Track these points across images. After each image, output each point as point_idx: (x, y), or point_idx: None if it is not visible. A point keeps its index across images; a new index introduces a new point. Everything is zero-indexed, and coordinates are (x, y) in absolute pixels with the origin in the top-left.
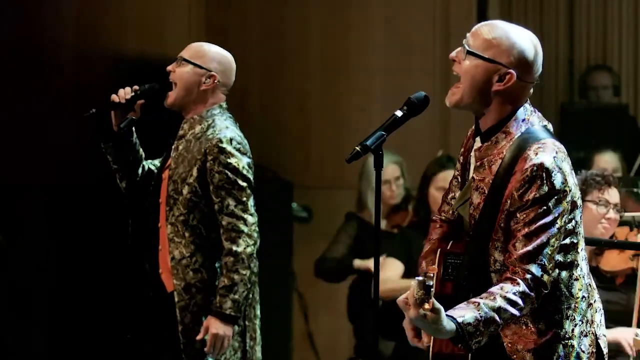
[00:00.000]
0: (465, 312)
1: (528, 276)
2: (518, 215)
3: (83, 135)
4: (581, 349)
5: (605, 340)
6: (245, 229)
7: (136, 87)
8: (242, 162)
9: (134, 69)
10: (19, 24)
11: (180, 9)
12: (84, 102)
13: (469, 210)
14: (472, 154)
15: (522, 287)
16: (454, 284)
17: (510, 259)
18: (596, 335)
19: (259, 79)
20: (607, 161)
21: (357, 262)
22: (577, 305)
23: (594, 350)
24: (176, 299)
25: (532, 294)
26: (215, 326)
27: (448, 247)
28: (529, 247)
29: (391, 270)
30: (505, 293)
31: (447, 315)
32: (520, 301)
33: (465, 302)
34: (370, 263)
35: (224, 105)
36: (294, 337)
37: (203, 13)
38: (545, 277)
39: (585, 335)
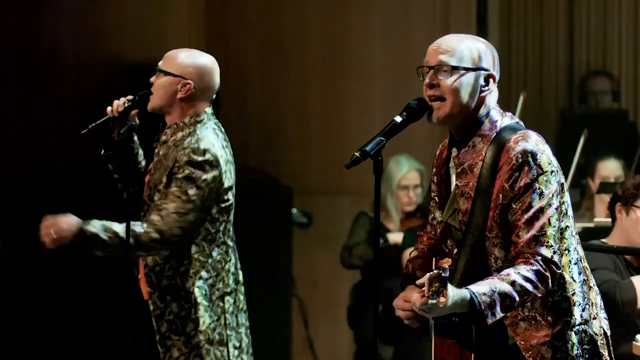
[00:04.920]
0: (478, 285)
1: (539, 258)
2: (513, 205)
3: (83, 137)
4: (594, 332)
5: (607, 323)
6: (166, 228)
7: (129, 97)
8: (207, 175)
9: (134, 74)
10: (19, 29)
11: (180, 14)
12: (84, 106)
13: (459, 217)
14: (451, 163)
15: (536, 266)
16: None
17: (517, 248)
18: (600, 317)
19: (259, 83)
20: (610, 168)
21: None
22: (580, 289)
23: (602, 333)
24: (151, 308)
25: (547, 274)
26: (70, 222)
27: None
28: (533, 232)
29: None
30: (519, 271)
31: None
32: (534, 278)
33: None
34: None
35: (209, 110)
36: (294, 343)
37: (203, 17)
38: (556, 257)
39: (594, 318)
